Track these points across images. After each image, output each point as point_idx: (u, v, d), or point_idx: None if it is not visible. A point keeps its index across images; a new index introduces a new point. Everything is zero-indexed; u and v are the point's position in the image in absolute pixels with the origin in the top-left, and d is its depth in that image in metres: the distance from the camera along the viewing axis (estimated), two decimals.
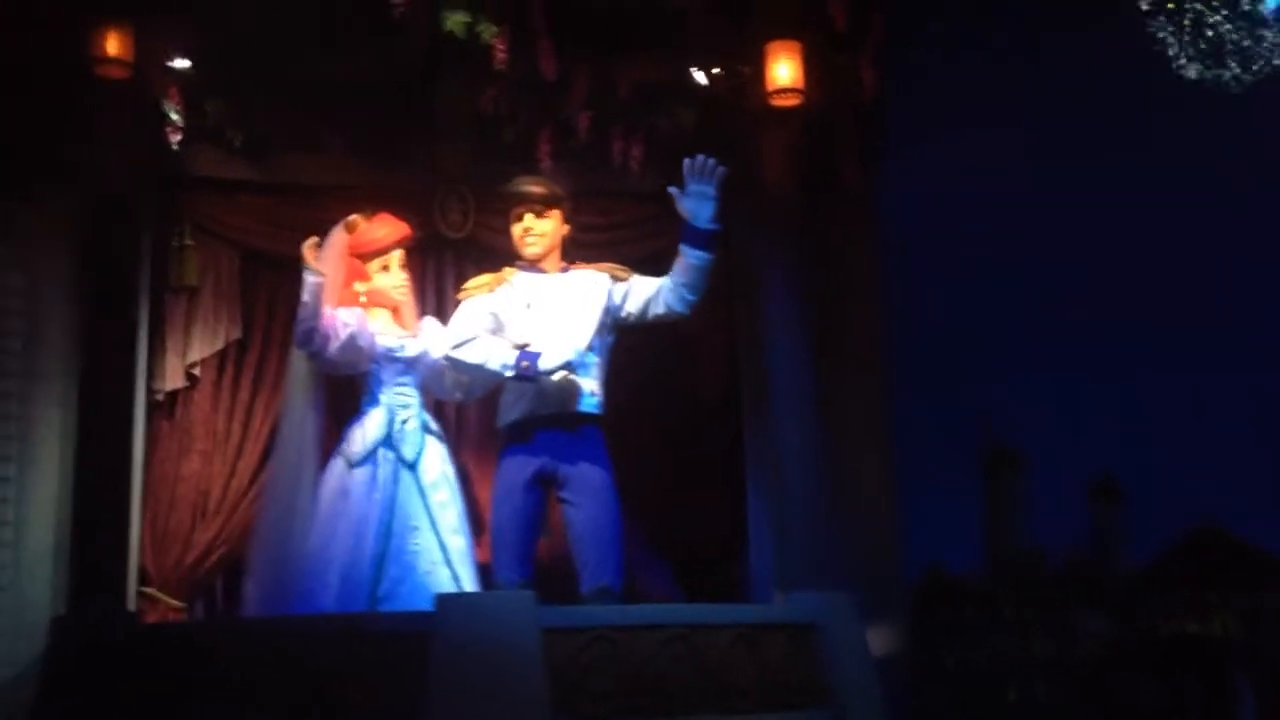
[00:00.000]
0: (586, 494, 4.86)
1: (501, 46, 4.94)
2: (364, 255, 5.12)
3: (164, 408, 6.10)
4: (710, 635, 4.21)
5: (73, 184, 5.72)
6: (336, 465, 4.87)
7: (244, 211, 6.27)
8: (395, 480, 4.83)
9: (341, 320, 4.91)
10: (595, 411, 4.98)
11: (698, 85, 5.57)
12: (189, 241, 6.19)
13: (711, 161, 4.80)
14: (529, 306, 5.00)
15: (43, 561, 5.70)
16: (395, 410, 4.95)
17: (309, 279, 4.77)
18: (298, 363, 4.97)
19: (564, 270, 5.15)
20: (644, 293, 5.06)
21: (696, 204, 4.83)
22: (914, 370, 5.48)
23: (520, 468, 4.91)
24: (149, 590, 5.88)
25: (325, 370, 4.91)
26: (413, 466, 4.89)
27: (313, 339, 4.79)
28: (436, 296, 6.50)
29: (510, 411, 4.99)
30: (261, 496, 4.99)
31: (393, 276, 5.13)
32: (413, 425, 4.96)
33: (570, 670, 3.97)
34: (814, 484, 5.10)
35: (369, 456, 4.84)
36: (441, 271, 6.48)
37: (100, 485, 4.93)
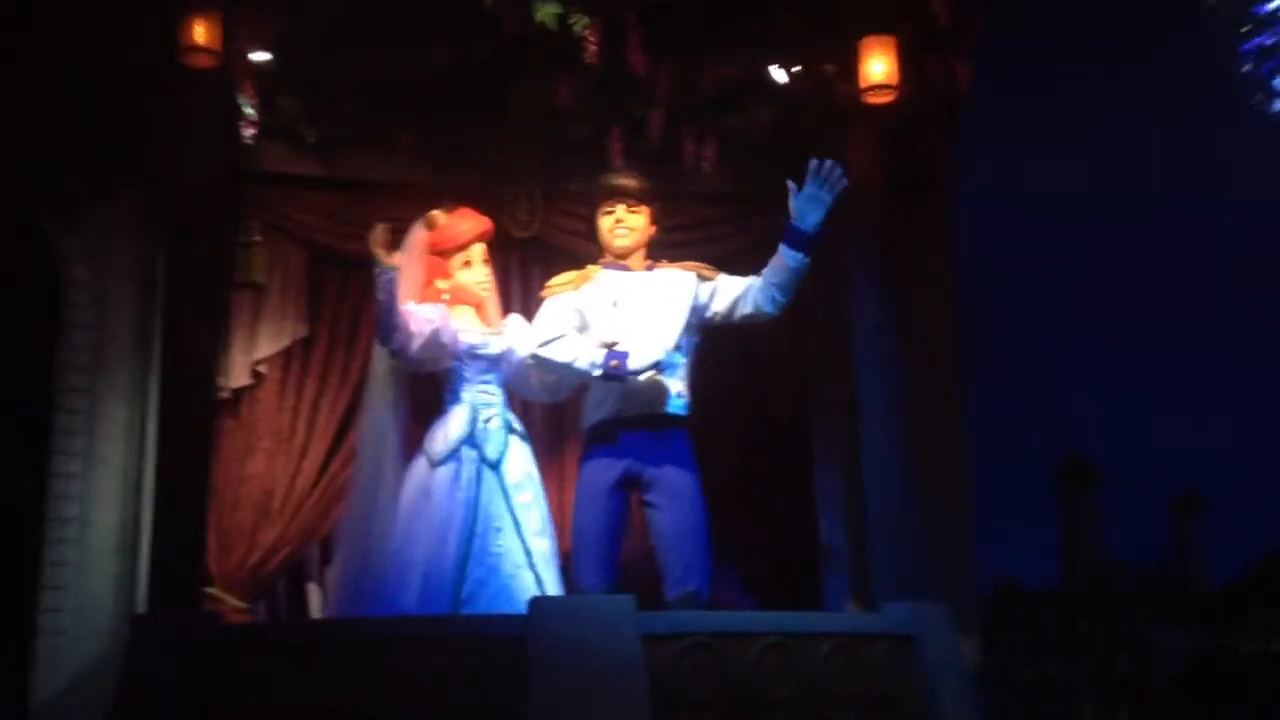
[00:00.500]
0: (673, 498, 4.75)
1: (593, 39, 4.84)
2: (445, 251, 5.02)
3: (229, 406, 6.01)
4: (809, 644, 4.09)
5: (147, 177, 5.65)
6: (419, 464, 4.76)
7: (312, 208, 6.19)
8: (478, 480, 4.72)
9: (424, 317, 4.81)
10: (681, 413, 4.88)
11: (777, 83, 5.45)
12: (257, 238, 6.11)
13: (838, 171, 4.71)
14: (615, 304, 4.91)
15: (106, 559, 5.63)
16: (478, 408, 4.84)
17: (381, 275, 4.66)
18: (378, 360, 4.86)
19: (649, 268, 5.05)
20: (732, 292, 4.96)
21: (807, 206, 4.73)
22: (988, 379, 5.32)
23: (605, 470, 4.80)
24: (212, 591, 5.79)
25: (408, 367, 4.80)
26: (496, 466, 4.78)
27: (393, 336, 4.68)
28: (501, 296, 6.42)
29: (595, 412, 4.89)
30: (340, 497, 4.86)
31: (475, 272, 5.03)
32: (496, 424, 4.86)
33: (670, 678, 3.86)
34: (902, 494, 4.98)
35: (452, 455, 4.72)
36: (506, 271, 6.39)
37: (178, 483, 4.82)
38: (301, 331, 6.11)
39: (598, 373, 4.72)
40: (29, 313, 5.81)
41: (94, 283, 5.83)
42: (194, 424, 4.95)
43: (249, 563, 5.93)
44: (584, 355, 4.74)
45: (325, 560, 6.19)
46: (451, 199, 5.68)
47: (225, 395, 5.97)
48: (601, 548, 4.73)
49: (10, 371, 5.81)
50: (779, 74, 5.47)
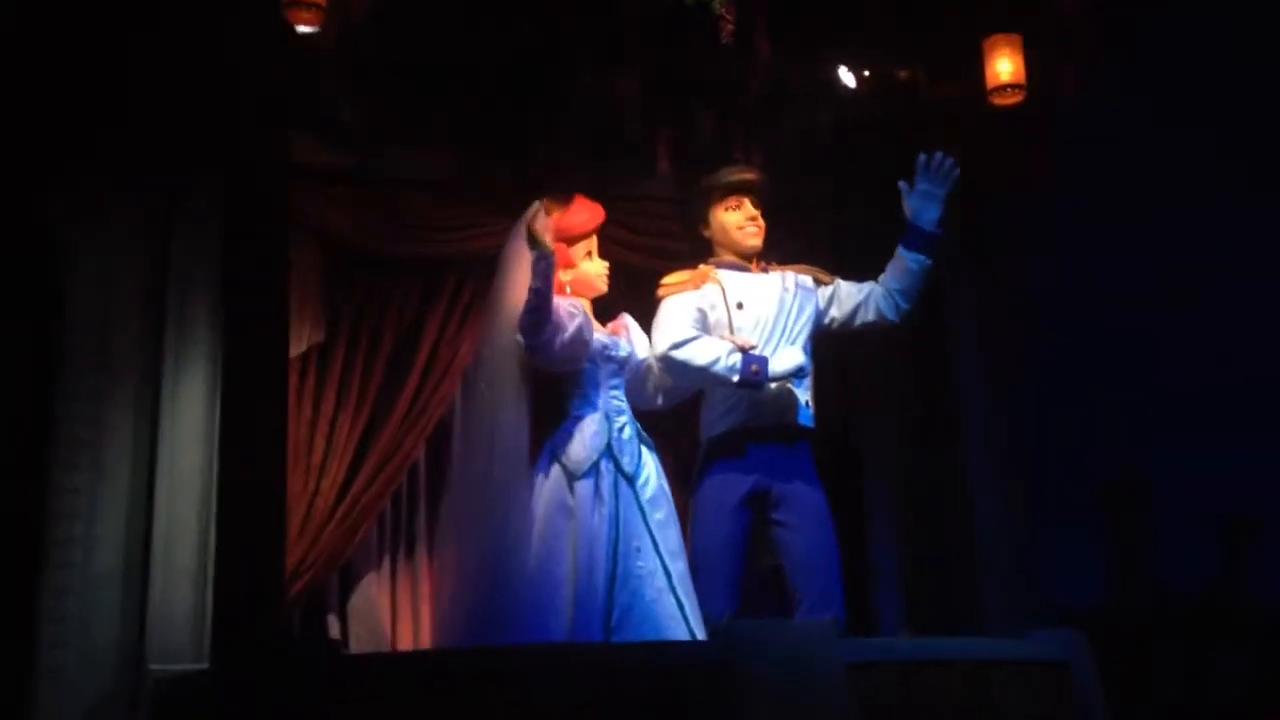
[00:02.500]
0: (804, 516, 4.44)
1: (729, 18, 4.52)
2: (569, 240, 4.57)
3: None
4: (992, 671, 3.82)
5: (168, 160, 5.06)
6: (553, 477, 4.28)
7: (335, 204, 5.66)
8: (616, 495, 4.29)
9: (567, 309, 4.38)
10: (810, 425, 4.57)
11: (860, 81, 5.21)
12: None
13: (949, 162, 4.49)
14: (740, 307, 4.57)
15: (109, 586, 4.96)
16: (612, 416, 4.41)
17: (539, 260, 4.22)
18: (501, 357, 4.37)
19: (764, 270, 4.74)
20: (852, 298, 4.69)
21: (923, 203, 4.51)
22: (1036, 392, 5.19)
23: (732, 486, 4.46)
24: None
25: (541, 365, 4.34)
26: (631, 480, 4.35)
27: (543, 328, 4.23)
28: None
29: (719, 423, 4.55)
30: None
31: (597, 263, 4.61)
32: (628, 433, 4.44)
33: (874, 708, 3.54)
34: (1013, 514, 4.77)
35: (591, 468, 4.28)
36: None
37: (245, 497, 4.24)
38: (318, 337, 5.56)
39: (735, 378, 4.37)
40: (28, 308, 5.12)
41: (100, 274, 5.17)
42: (258, 430, 4.34)
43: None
44: (724, 359, 4.40)
45: (345, 589, 5.64)
46: (479, 200, 5.31)
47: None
48: (729, 569, 4.38)
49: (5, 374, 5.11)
50: (859, 73, 5.22)
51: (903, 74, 5.08)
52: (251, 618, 4.08)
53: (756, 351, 4.40)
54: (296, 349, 5.52)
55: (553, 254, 4.23)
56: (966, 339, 5.13)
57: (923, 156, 4.54)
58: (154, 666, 4.77)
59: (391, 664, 3.82)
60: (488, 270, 5.82)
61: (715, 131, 5.40)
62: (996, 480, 4.92)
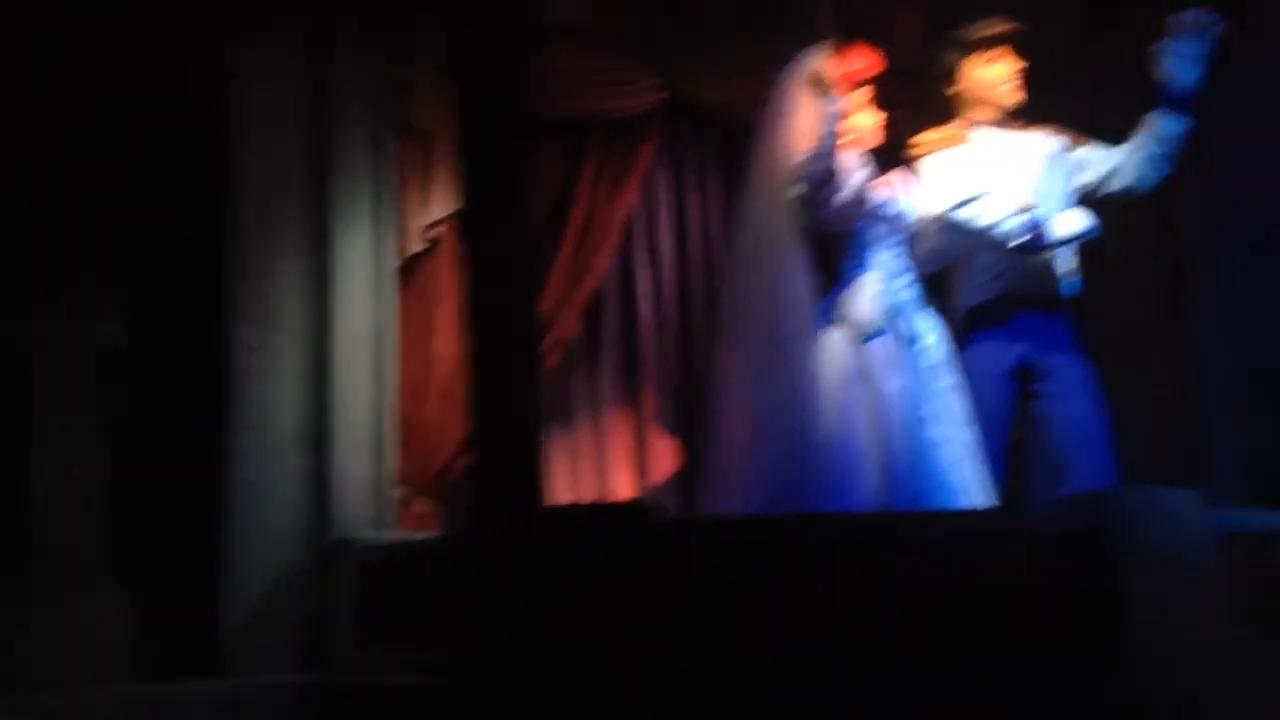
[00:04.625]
0: (1073, 387, 4.24)
1: None
2: (848, 87, 4.21)
3: (405, 277, 5.06)
4: None
5: None
6: (837, 340, 4.00)
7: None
8: (904, 360, 4.04)
9: (847, 163, 4.07)
10: (1074, 294, 4.38)
11: None
12: (423, 78, 5.14)
13: (1208, 16, 4.24)
14: (1000, 167, 4.33)
15: (290, 452, 4.61)
16: (892, 278, 4.14)
17: (828, 105, 3.91)
18: (771, 212, 4.05)
19: (1022, 129, 4.49)
20: (1106, 163, 4.44)
21: (1181, 64, 4.25)
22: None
23: (998, 355, 4.25)
24: (401, 491, 4.89)
25: (816, 224, 4.04)
26: (914, 344, 4.10)
27: (829, 181, 3.92)
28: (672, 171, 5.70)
29: (981, 291, 4.32)
30: (731, 378, 4.03)
31: (873, 115, 4.29)
32: (909, 296, 4.18)
33: (1248, 580, 3.41)
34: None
35: (878, 331, 4.02)
36: (676, 145, 5.69)
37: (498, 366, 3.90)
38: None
39: (1014, 242, 4.15)
40: (195, 151, 4.67)
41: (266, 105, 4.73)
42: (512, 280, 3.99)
43: (437, 461, 5.04)
44: (1005, 220, 4.16)
45: None
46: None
47: (398, 265, 5.02)
48: (994, 441, 4.18)
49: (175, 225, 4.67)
50: None
51: None
52: (505, 478, 3.76)
53: (1037, 215, 4.18)
54: (441, 213, 5.16)
55: (838, 102, 3.93)
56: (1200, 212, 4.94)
57: (1175, 17, 4.31)
58: (360, 535, 4.49)
59: (708, 529, 3.55)
60: (631, 130, 5.57)
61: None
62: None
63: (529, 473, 3.78)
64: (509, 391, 3.85)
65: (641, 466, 5.42)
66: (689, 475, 5.30)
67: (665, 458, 5.41)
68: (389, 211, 4.97)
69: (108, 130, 4.71)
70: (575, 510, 4.05)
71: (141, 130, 4.74)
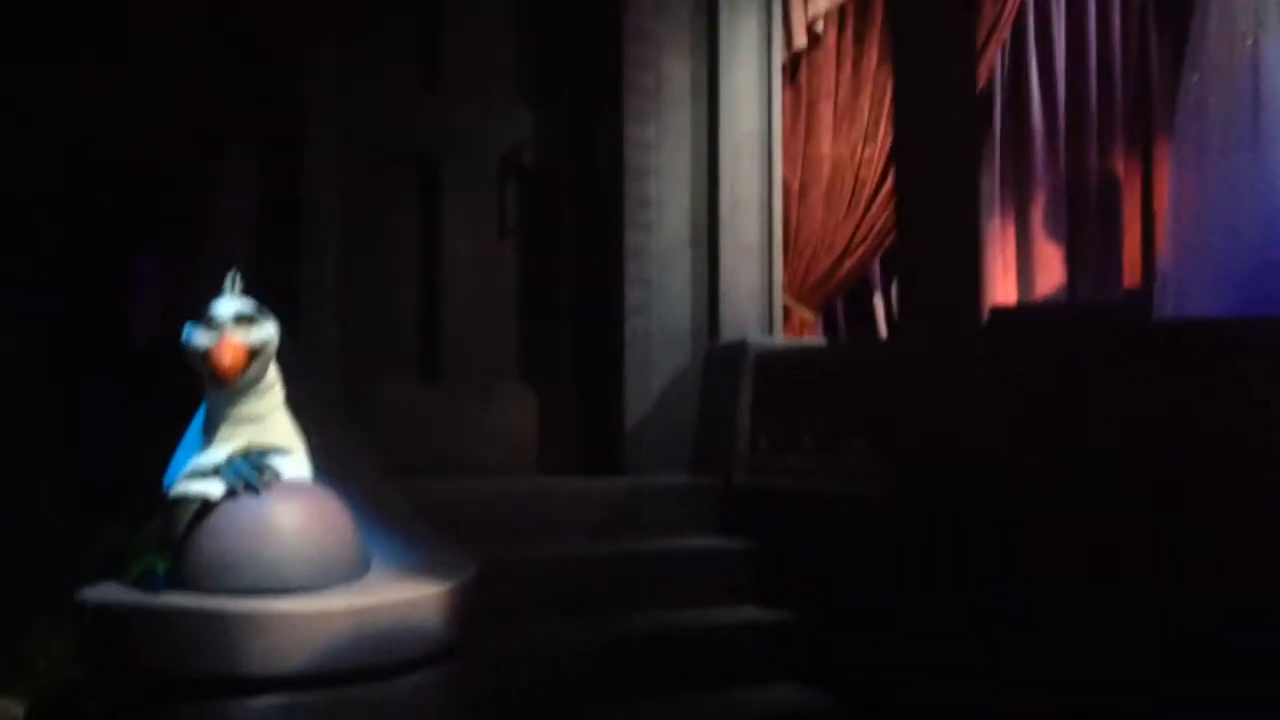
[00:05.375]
0: None
1: None
2: None
3: (787, 75, 4.84)
4: None
5: None
6: None
7: None
8: None
9: None
10: None
11: None
12: None
13: None
14: None
15: (681, 252, 4.53)
16: None
17: None
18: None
19: None
20: None
21: None
22: None
23: None
24: (786, 301, 4.77)
25: None
26: None
27: None
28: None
29: None
30: (1183, 169, 3.71)
31: None
32: None
33: None
34: None
35: None
36: None
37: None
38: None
39: None
40: None
41: None
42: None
43: (819, 267, 4.90)
44: None
45: (885, 267, 5.17)
46: None
47: (781, 61, 4.79)
48: None
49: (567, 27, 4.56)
50: None
51: None
52: (945, 280, 3.55)
53: None
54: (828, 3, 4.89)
55: None
56: None
57: None
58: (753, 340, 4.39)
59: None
60: None
61: None
62: None
63: (970, 273, 3.57)
64: (953, 172, 3.57)
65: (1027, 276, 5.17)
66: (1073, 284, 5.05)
67: (1052, 267, 5.14)
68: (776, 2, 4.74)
69: None
70: (1067, 309, 3.78)
71: None
